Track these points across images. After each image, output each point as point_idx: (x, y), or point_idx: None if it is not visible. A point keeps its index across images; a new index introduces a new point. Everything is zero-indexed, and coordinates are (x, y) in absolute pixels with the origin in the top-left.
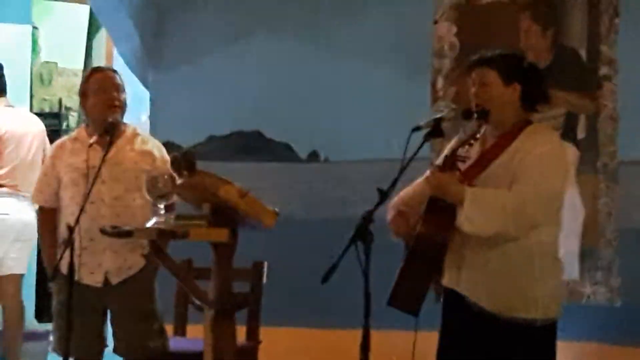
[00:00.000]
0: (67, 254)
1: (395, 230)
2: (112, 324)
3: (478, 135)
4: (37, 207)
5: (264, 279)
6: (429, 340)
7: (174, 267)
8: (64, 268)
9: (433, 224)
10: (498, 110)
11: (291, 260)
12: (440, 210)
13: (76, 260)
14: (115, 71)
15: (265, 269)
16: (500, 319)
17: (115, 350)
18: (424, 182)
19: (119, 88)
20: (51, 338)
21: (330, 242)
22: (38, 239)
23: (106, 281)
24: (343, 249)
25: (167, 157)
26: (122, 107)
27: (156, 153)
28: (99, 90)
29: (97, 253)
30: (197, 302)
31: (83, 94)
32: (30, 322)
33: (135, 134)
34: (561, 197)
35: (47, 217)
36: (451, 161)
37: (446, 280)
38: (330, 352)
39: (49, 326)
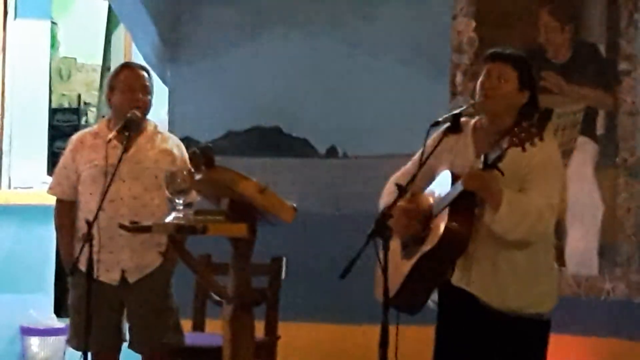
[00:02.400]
0: (85, 250)
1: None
2: (128, 320)
3: (537, 140)
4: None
5: (283, 274)
6: (418, 334)
7: (193, 263)
8: (82, 264)
9: (460, 216)
10: (502, 109)
11: (309, 255)
12: (463, 209)
13: (94, 257)
14: (146, 70)
15: (283, 264)
16: (510, 316)
17: (130, 346)
18: (462, 180)
19: (146, 89)
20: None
21: (349, 238)
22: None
23: (123, 279)
24: (361, 244)
25: (187, 156)
26: (146, 108)
27: (176, 152)
28: (126, 88)
29: (115, 251)
30: (216, 297)
31: (110, 87)
32: (49, 317)
33: (156, 132)
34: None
35: (65, 209)
36: (496, 162)
37: (455, 279)
38: (349, 347)
39: (67, 321)
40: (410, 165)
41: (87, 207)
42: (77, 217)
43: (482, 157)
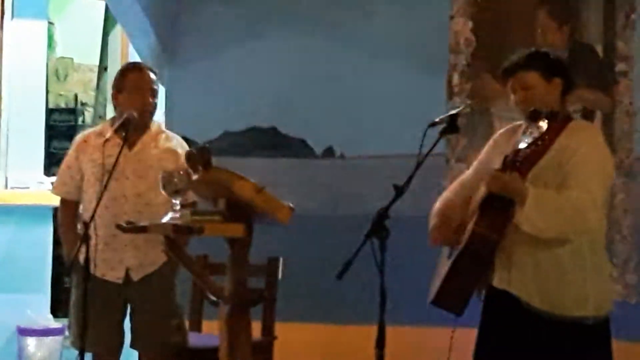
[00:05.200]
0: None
1: (437, 238)
2: (131, 319)
3: (546, 137)
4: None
5: (280, 275)
6: (446, 336)
7: (190, 263)
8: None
9: (487, 224)
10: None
11: (306, 255)
12: (494, 211)
13: (97, 256)
14: (153, 72)
15: (280, 265)
16: (552, 318)
17: (132, 346)
18: (483, 184)
19: (153, 92)
20: (67, 332)
21: (346, 238)
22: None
23: (127, 277)
24: (358, 244)
25: None
26: (153, 111)
27: (180, 151)
28: (134, 90)
29: (119, 249)
30: (213, 297)
31: (117, 88)
32: (46, 317)
33: (160, 131)
34: (608, 193)
35: (69, 209)
36: (513, 161)
37: (496, 281)
38: (346, 348)
39: (64, 321)
40: (469, 170)
41: (90, 207)
42: (81, 216)
43: (503, 158)
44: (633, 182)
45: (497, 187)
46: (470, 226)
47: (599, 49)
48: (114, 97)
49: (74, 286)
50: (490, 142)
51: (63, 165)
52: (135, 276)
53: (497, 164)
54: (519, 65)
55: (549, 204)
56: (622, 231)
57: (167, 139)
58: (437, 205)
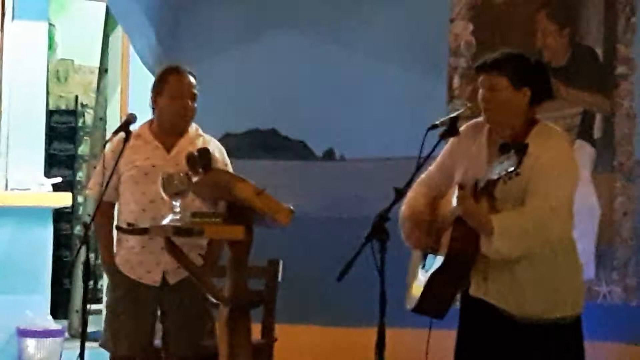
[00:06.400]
0: (122, 251)
1: (414, 242)
2: (163, 323)
3: (519, 170)
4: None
5: (279, 277)
6: (442, 338)
7: (190, 265)
8: (121, 265)
9: (463, 234)
10: (507, 115)
11: (307, 258)
12: (466, 226)
13: (133, 259)
14: (194, 76)
15: (280, 267)
16: (531, 322)
17: (163, 349)
18: (456, 203)
19: (193, 96)
20: (66, 334)
21: (346, 240)
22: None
23: (164, 280)
24: (358, 247)
25: (228, 160)
26: (192, 116)
27: (217, 155)
28: (176, 95)
29: (156, 252)
30: (213, 299)
31: (157, 91)
32: (45, 318)
33: (198, 135)
34: (573, 199)
35: (104, 210)
36: (485, 190)
37: (473, 290)
38: (346, 350)
39: (64, 323)
40: (432, 168)
41: (127, 209)
42: (117, 219)
43: (472, 186)
44: (633, 185)
45: (465, 213)
46: (446, 239)
47: (600, 52)
48: (153, 100)
49: (109, 288)
50: (454, 139)
51: (98, 167)
52: (172, 279)
53: (463, 163)
54: (491, 66)
55: (513, 230)
56: (621, 234)
57: (205, 143)
58: (405, 210)
